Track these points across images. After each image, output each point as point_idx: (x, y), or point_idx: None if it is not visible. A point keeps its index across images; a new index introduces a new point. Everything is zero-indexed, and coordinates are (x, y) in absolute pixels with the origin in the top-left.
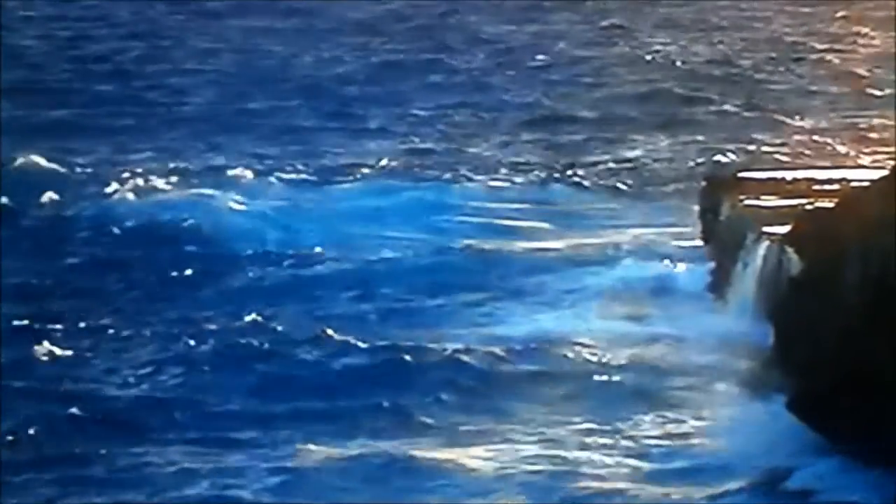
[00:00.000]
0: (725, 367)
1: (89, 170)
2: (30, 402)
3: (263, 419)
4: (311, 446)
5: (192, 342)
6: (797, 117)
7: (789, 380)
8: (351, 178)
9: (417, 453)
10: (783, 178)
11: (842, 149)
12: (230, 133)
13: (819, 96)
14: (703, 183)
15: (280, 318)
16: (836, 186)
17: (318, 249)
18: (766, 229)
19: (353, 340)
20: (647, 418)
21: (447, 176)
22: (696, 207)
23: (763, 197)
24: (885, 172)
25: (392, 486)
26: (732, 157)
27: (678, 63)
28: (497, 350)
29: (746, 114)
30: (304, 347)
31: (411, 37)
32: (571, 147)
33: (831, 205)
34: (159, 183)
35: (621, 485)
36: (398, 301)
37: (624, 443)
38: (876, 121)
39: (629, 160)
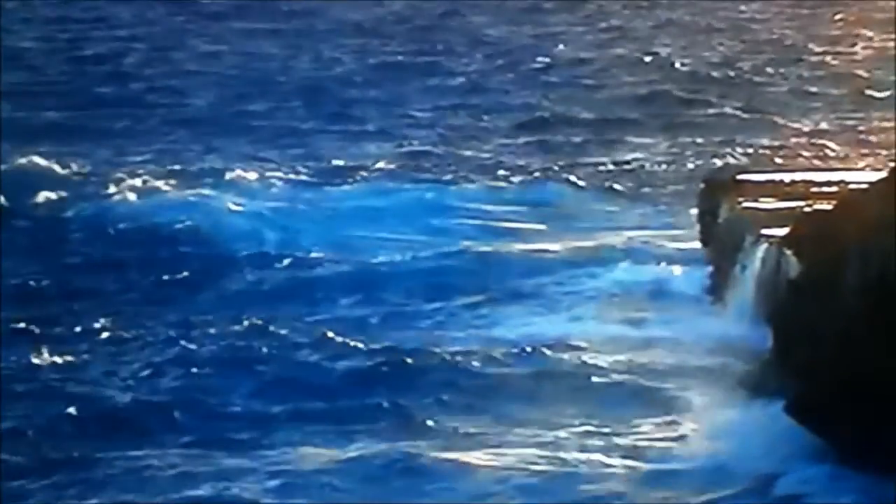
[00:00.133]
0: (723, 370)
1: (88, 168)
2: (28, 404)
3: (263, 421)
4: (311, 448)
5: (191, 344)
6: (796, 119)
7: (788, 382)
8: (350, 179)
9: (417, 455)
10: (782, 181)
11: (841, 151)
12: (229, 134)
13: (819, 98)
14: (702, 185)
15: (279, 320)
16: (834, 189)
17: (316, 251)
18: (764, 231)
19: (352, 342)
20: (645, 421)
21: (446, 178)
22: (695, 210)
23: (762, 199)
24: (883, 174)
25: (392, 487)
26: (731, 159)
27: (677, 65)
28: (496, 352)
29: (745, 116)
30: (304, 350)
31: (411, 38)
32: (570, 149)
33: (830, 207)
34: (159, 184)
35: (618, 487)
36: (397, 303)
37: (621, 446)
38: (875, 123)
39: (628, 162)
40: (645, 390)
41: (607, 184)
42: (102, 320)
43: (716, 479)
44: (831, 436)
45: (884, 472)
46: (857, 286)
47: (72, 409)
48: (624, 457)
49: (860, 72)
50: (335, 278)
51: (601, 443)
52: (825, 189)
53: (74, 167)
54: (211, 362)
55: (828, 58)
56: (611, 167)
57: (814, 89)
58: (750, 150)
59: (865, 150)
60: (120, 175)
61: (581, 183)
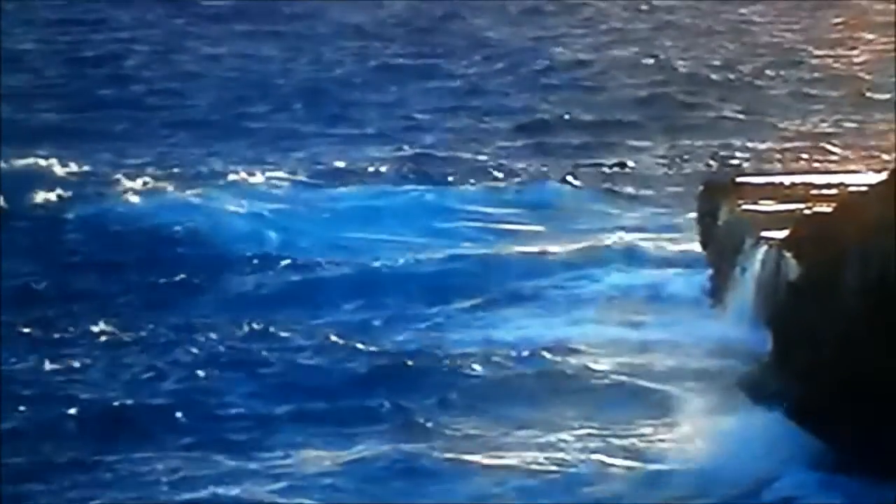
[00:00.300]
0: (723, 373)
1: (88, 170)
2: (28, 407)
3: (265, 423)
4: (312, 450)
5: (192, 346)
6: (796, 122)
7: (788, 385)
8: (350, 181)
9: (418, 456)
10: (781, 183)
11: (841, 153)
12: (230, 137)
13: (819, 101)
14: (701, 188)
15: (280, 322)
16: (834, 191)
17: (316, 253)
18: (764, 234)
19: (353, 345)
20: (644, 423)
21: (446, 180)
22: (694, 212)
23: (761, 201)
24: (883, 177)
25: (393, 488)
26: (731, 161)
27: (677, 68)
28: (496, 355)
29: (745, 118)
30: (305, 352)
31: (411, 41)
32: (570, 151)
33: (830, 209)
34: (159, 186)
35: (617, 489)
36: (397, 305)
37: (620, 447)
38: (875, 125)
39: (627, 164)
40: (644, 393)
41: (607, 186)
42: (103, 322)
43: (713, 482)
44: (831, 437)
45: (884, 474)
46: (856, 288)
47: (73, 412)
48: (623, 459)
49: (860, 74)
50: (335, 280)
51: (601, 444)
52: (825, 191)
53: (75, 169)
54: (212, 364)
55: (828, 60)
56: (610, 169)
57: (814, 92)
58: (750, 153)
59: (865, 153)
60: (120, 177)
61: (580, 185)
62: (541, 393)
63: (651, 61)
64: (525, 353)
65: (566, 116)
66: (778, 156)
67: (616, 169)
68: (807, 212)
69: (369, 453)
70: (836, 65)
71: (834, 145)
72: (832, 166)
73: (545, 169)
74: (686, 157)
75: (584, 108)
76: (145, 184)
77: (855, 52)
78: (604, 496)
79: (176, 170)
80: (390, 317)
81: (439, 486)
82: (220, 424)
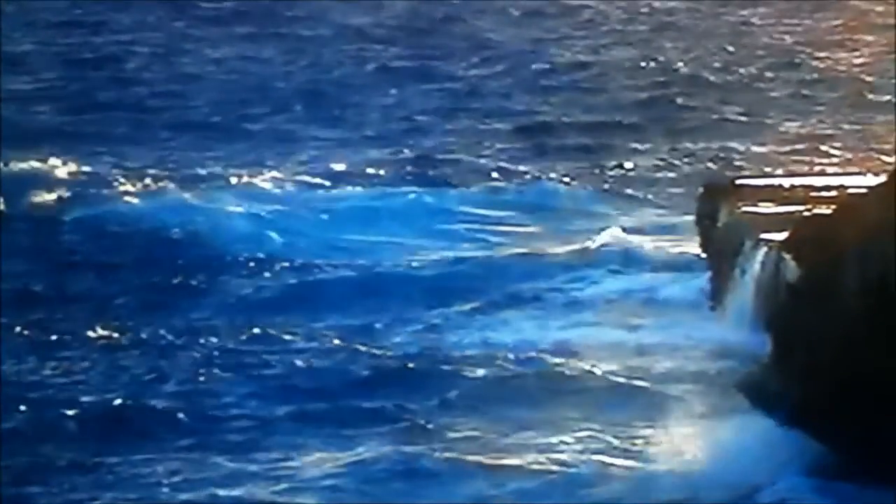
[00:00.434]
0: (722, 375)
1: (89, 171)
2: (28, 408)
3: (266, 425)
4: (313, 451)
5: (191, 347)
6: (796, 124)
7: (787, 387)
8: (349, 183)
9: (419, 457)
10: (781, 185)
11: (841, 155)
12: (230, 138)
13: (818, 102)
14: (701, 190)
15: (280, 324)
16: (834, 193)
17: (316, 255)
18: (764, 236)
19: (353, 346)
20: (643, 425)
21: (446, 182)
22: (694, 214)
23: (761, 203)
24: (883, 179)
25: (393, 489)
26: (731, 163)
27: (677, 69)
28: (496, 357)
29: (745, 120)
30: (305, 354)
31: (411, 43)
32: (569, 153)
33: (829, 211)
34: (159, 188)
35: (616, 490)
36: (397, 308)
37: (619, 449)
38: (875, 127)
39: (627, 166)
40: (643, 395)
41: (606, 188)
42: (103, 323)
43: (711, 484)
44: (830, 439)
45: (883, 476)
46: (856, 290)
47: (73, 413)
48: (622, 460)
49: (860, 76)
50: (335, 282)
51: (600, 446)
52: (824, 193)
53: (75, 170)
54: (212, 366)
55: (828, 62)
56: (610, 171)
57: (813, 93)
58: (749, 155)
59: (865, 155)
60: (120, 178)
61: (580, 187)
62: (540, 395)
63: (651, 63)
64: (525, 356)
65: (566, 118)
66: (778, 158)
67: (616, 171)
68: (806, 214)
69: (370, 455)
70: (835, 67)
71: (833, 147)
72: (832, 168)
73: (545, 171)
74: (686, 158)
75: (584, 110)
76: (145, 185)
77: (855, 54)
78: (603, 497)
79: (176, 172)
80: (390, 319)
81: (440, 488)
82: (220, 426)
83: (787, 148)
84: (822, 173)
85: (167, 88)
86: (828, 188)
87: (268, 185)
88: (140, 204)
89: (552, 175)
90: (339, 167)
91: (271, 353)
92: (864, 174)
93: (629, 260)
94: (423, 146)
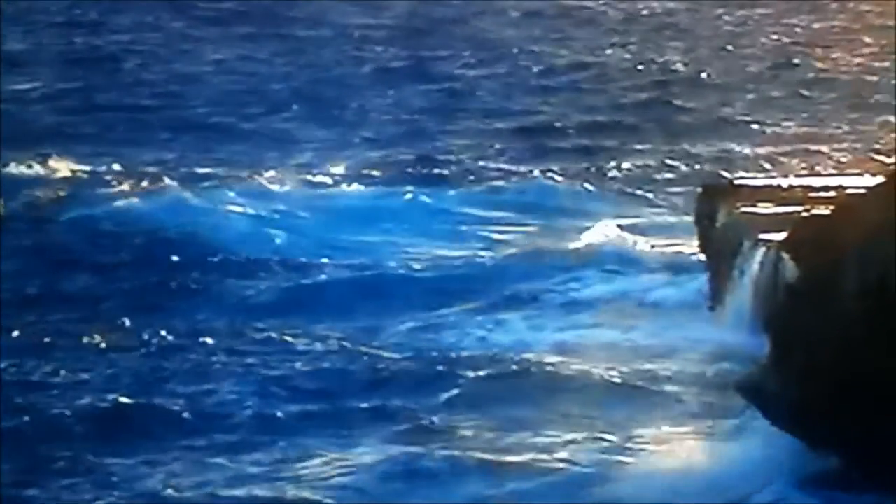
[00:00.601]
0: (721, 376)
1: (89, 172)
2: (28, 409)
3: (267, 425)
4: (314, 452)
5: (192, 348)
6: (795, 124)
7: (785, 388)
8: (349, 184)
9: (420, 457)
10: (780, 185)
11: (840, 155)
12: (230, 139)
13: (818, 102)
14: (700, 190)
15: (281, 324)
16: (833, 193)
17: (315, 256)
18: (762, 236)
19: (353, 347)
20: (643, 427)
21: (445, 182)
22: (693, 215)
23: (760, 204)
24: (882, 179)
25: (394, 490)
26: (730, 163)
27: (677, 70)
28: (496, 357)
29: (744, 120)
30: (305, 354)
31: (411, 43)
32: (568, 153)
33: (828, 211)
34: (159, 188)
35: (615, 491)
36: (396, 308)
37: (618, 451)
38: (874, 127)
39: (626, 167)
40: (641, 396)
41: (606, 188)
42: (103, 324)
43: (709, 486)
44: (828, 441)
45: (883, 478)
46: (855, 291)
47: (73, 414)
48: (621, 462)
49: (859, 76)
50: (335, 283)
51: (598, 447)
52: (823, 194)
53: (75, 171)
54: (213, 367)
55: (827, 63)
56: (609, 172)
57: (813, 94)
58: (748, 155)
59: (864, 155)
60: (121, 179)
61: (579, 187)
62: (540, 395)
63: (650, 64)
64: (524, 356)
65: (565, 119)
66: (777, 158)
67: (615, 171)
68: (805, 214)
69: (371, 455)
70: (835, 67)
71: (833, 147)
72: (831, 168)
73: (544, 171)
74: (685, 159)
75: (584, 111)
76: (145, 186)
77: (854, 54)
78: (601, 498)
79: (176, 172)
80: (389, 319)
81: (440, 488)
82: (221, 427)
83: (787, 148)
84: (822, 174)
85: (166, 88)
86: (827, 189)
87: (267, 186)
88: (140, 204)
89: (551, 175)
90: (339, 167)
91: (271, 353)
92: (864, 175)
93: (628, 261)
94: (422, 146)
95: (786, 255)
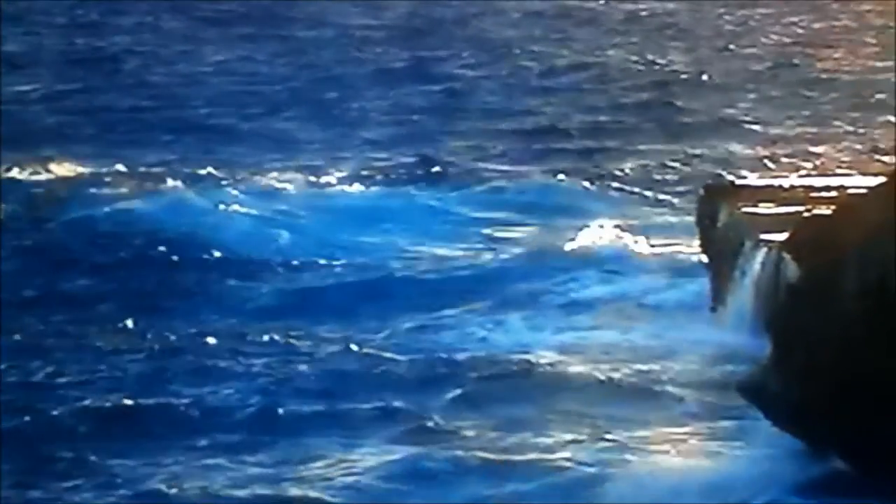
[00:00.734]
0: (722, 377)
1: (88, 170)
2: (28, 409)
3: (268, 426)
4: (315, 452)
5: (194, 348)
6: (796, 124)
7: (786, 388)
8: (350, 184)
9: (422, 457)
10: (781, 186)
11: (840, 156)
12: (230, 139)
13: (818, 102)
14: (701, 190)
15: (281, 324)
16: (834, 193)
17: (316, 256)
18: (764, 236)
19: (354, 347)
20: (642, 428)
21: (446, 183)
22: (694, 215)
23: (761, 204)
24: (883, 179)
25: (395, 490)
26: (731, 164)
27: (678, 71)
28: (497, 358)
29: (745, 120)
30: (306, 354)
31: (412, 44)
32: (569, 153)
33: (829, 212)
34: (160, 189)
35: (615, 492)
36: (398, 308)
37: (618, 452)
38: (874, 127)
39: (626, 167)
40: (642, 397)
41: (606, 189)
42: (104, 324)
43: (709, 487)
44: (829, 441)
45: (884, 477)
46: (855, 291)
47: (74, 414)
48: (621, 462)
49: (860, 76)
50: (335, 283)
51: (597, 448)
52: (824, 194)
53: (75, 171)
54: (214, 367)
55: (828, 63)
56: (610, 172)
57: (813, 94)
58: (749, 155)
59: (865, 155)
60: (122, 180)
61: (580, 188)
62: (541, 396)
63: (651, 64)
64: (525, 357)
65: (566, 119)
66: (778, 158)
67: (615, 172)
68: (806, 214)
69: (373, 455)
70: (835, 67)
71: (834, 147)
72: (832, 168)
73: (545, 171)
74: (685, 159)
75: (584, 111)
76: (146, 186)
77: (855, 54)
78: (602, 498)
79: (176, 172)
80: (391, 319)
81: (442, 488)
82: (224, 427)
83: (788, 148)
84: (823, 174)
85: (167, 89)
86: (828, 189)
87: (268, 186)
88: (140, 205)
89: (552, 176)
90: (339, 167)
91: (272, 353)
92: (865, 175)
93: (628, 261)
94: (422, 147)
95: (787, 256)
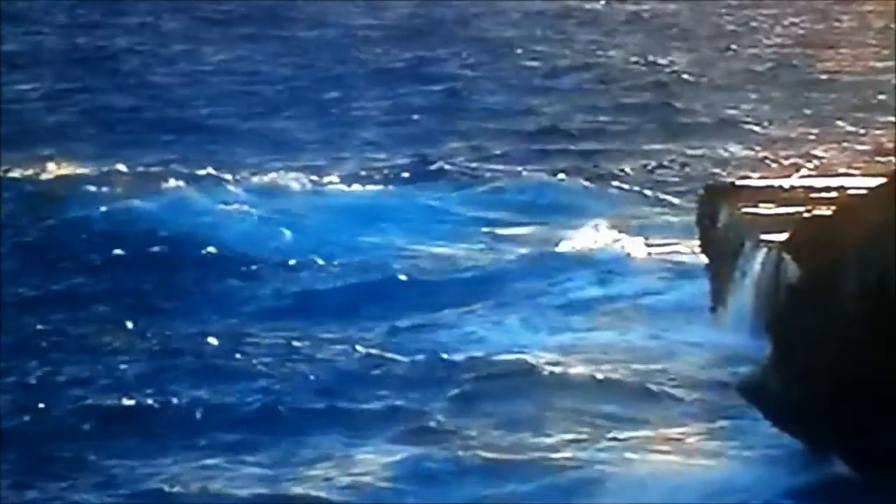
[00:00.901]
0: (722, 377)
1: (88, 170)
2: (29, 409)
3: (268, 426)
4: (317, 452)
5: (195, 348)
6: (797, 124)
7: (786, 388)
8: (350, 185)
9: (423, 457)
10: (781, 186)
11: (841, 156)
12: (231, 140)
13: (819, 103)
14: (701, 191)
15: (281, 324)
16: (834, 194)
17: (316, 257)
18: (764, 237)
19: (355, 347)
20: (640, 429)
21: (448, 184)
22: (694, 215)
23: (761, 204)
24: (883, 180)
25: (396, 490)
26: (731, 165)
27: (679, 72)
28: (497, 359)
29: (746, 120)
30: (306, 354)
31: (413, 44)
32: (570, 154)
33: (830, 212)
34: (161, 189)
35: (614, 493)
36: (398, 308)
37: (617, 453)
38: (875, 127)
39: (627, 168)
40: (642, 397)
41: (607, 190)
42: (105, 324)
43: (709, 488)
44: (830, 441)
45: (884, 478)
46: (856, 291)
47: (74, 415)
48: (621, 463)
49: (861, 77)
50: (335, 283)
51: (599, 448)
52: (825, 194)
53: (75, 171)
54: (215, 367)
55: (828, 64)
56: (611, 173)
57: (813, 94)
58: (750, 156)
59: (865, 156)
60: (122, 179)
61: (580, 188)
62: (540, 396)
63: (652, 64)
64: (524, 357)
65: (566, 119)
66: (778, 159)
67: (616, 172)
68: (806, 215)
69: (374, 455)
70: (836, 68)
71: (834, 148)
72: (832, 169)
73: (545, 172)
74: (685, 160)
75: (585, 111)
76: (146, 186)
77: (855, 55)
78: (602, 499)
79: (177, 172)
80: (390, 319)
81: (443, 488)
82: (224, 427)
83: (788, 149)
84: (823, 174)
85: (167, 89)
86: (828, 189)
87: (268, 186)
88: (140, 204)
89: (552, 176)
90: (339, 167)
91: (271, 352)
92: (865, 175)
93: (627, 262)
94: (422, 146)
95: (787, 256)
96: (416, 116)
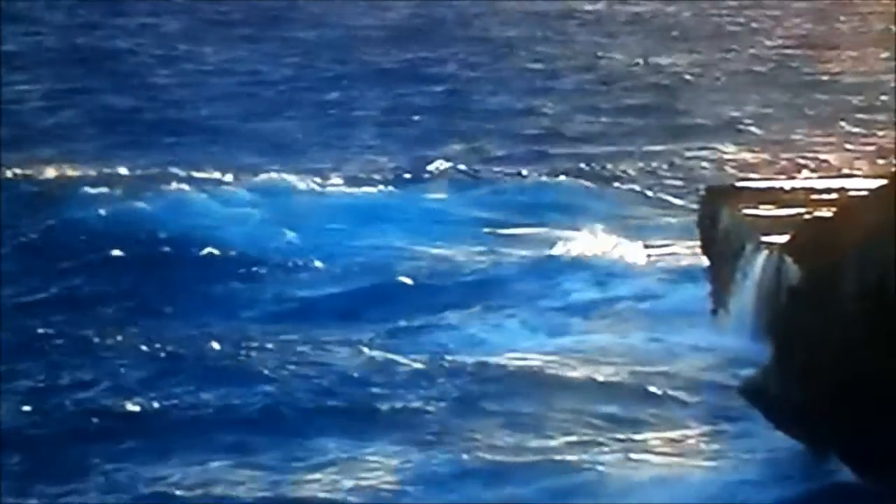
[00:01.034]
0: (723, 379)
1: (89, 171)
2: (29, 409)
3: (269, 426)
4: (319, 452)
5: (197, 349)
6: (798, 125)
7: (787, 389)
8: (350, 186)
9: (425, 458)
10: (782, 188)
11: (841, 158)
12: (232, 141)
13: (820, 104)
14: (702, 192)
15: (282, 325)
16: (834, 196)
17: (314, 258)
18: (765, 238)
19: (355, 348)
20: (639, 430)
21: (448, 184)
22: (695, 217)
23: (762, 206)
24: (883, 182)
25: (397, 490)
26: (732, 166)
27: (680, 73)
28: (497, 359)
29: (747, 122)
30: (307, 356)
31: (413, 45)
32: (570, 154)
33: (830, 214)
34: (161, 189)
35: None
36: (398, 310)
37: (615, 453)
38: (875, 129)
39: (627, 169)
40: (642, 399)
41: (607, 191)
42: (105, 324)
43: (708, 490)
44: (831, 442)
45: (884, 480)
46: (856, 293)
47: (74, 415)
48: (622, 464)
49: (861, 79)
50: (336, 284)
51: (599, 450)
52: (825, 196)
53: (75, 172)
54: (215, 368)
55: (829, 65)
56: (612, 174)
57: (815, 96)
58: (750, 157)
59: (866, 157)
60: (123, 180)
61: (580, 189)
62: (540, 398)
63: (653, 66)
64: (525, 359)
65: (567, 120)
66: (778, 160)
67: (617, 173)
68: (807, 217)
69: (374, 456)
70: (837, 69)
71: (834, 149)
72: (832, 170)
73: (545, 172)
74: (686, 161)
75: (586, 113)
76: (147, 187)
77: (856, 57)
78: (602, 500)
79: (177, 173)
80: (390, 321)
81: (442, 489)
82: (226, 428)
83: (788, 150)
84: (823, 176)
85: (167, 90)
86: (829, 191)
87: (268, 187)
88: (141, 205)
89: (553, 177)
90: (339, 168)
91: (273, 354)
92: (865, 177)
93: (629, 264)
94: (423, 148)
95: (788, 258)
96: (416, 117)
